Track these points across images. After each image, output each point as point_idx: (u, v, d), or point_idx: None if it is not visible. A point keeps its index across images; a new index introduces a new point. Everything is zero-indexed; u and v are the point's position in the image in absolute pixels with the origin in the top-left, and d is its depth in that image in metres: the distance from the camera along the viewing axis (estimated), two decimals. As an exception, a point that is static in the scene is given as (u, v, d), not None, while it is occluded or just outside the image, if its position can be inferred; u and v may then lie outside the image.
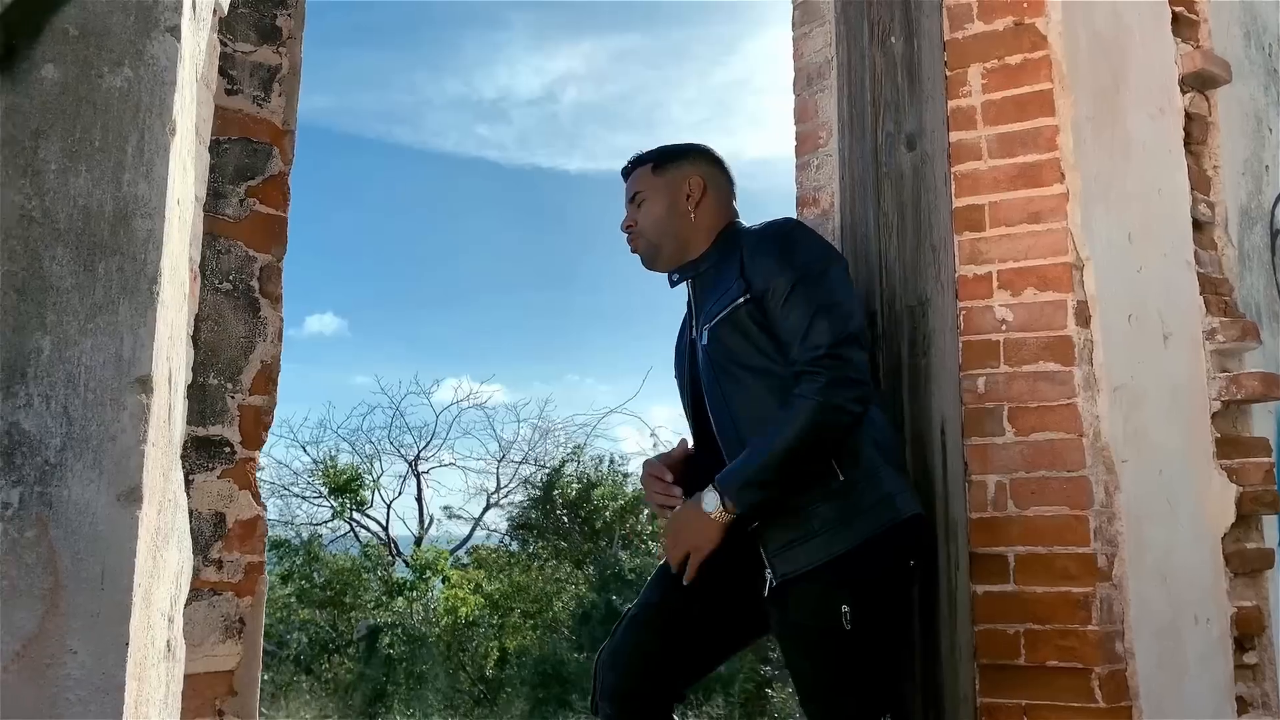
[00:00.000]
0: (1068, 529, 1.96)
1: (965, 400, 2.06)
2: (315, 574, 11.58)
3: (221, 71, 1.43)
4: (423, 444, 13.63)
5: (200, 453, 1.33)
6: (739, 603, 1.86)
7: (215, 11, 1.23)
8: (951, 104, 2.15)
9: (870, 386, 1.81)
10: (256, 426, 1.39)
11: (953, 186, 2.12)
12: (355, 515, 13.00)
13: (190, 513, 1.33)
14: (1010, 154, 2.10)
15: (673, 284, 2.01)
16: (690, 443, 2.02)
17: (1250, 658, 2.27)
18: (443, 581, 11.74)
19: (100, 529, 0.93)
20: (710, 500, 1.75)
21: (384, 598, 11.23)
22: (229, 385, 1.37)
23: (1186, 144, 2.44)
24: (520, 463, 13.56)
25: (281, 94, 1.46)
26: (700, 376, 1.91)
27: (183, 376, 1.12)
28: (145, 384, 0.96)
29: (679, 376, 2.05)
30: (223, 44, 1.43)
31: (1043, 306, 2.04)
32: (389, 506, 13.21)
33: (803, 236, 1.90)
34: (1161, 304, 2.22)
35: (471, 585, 11.38)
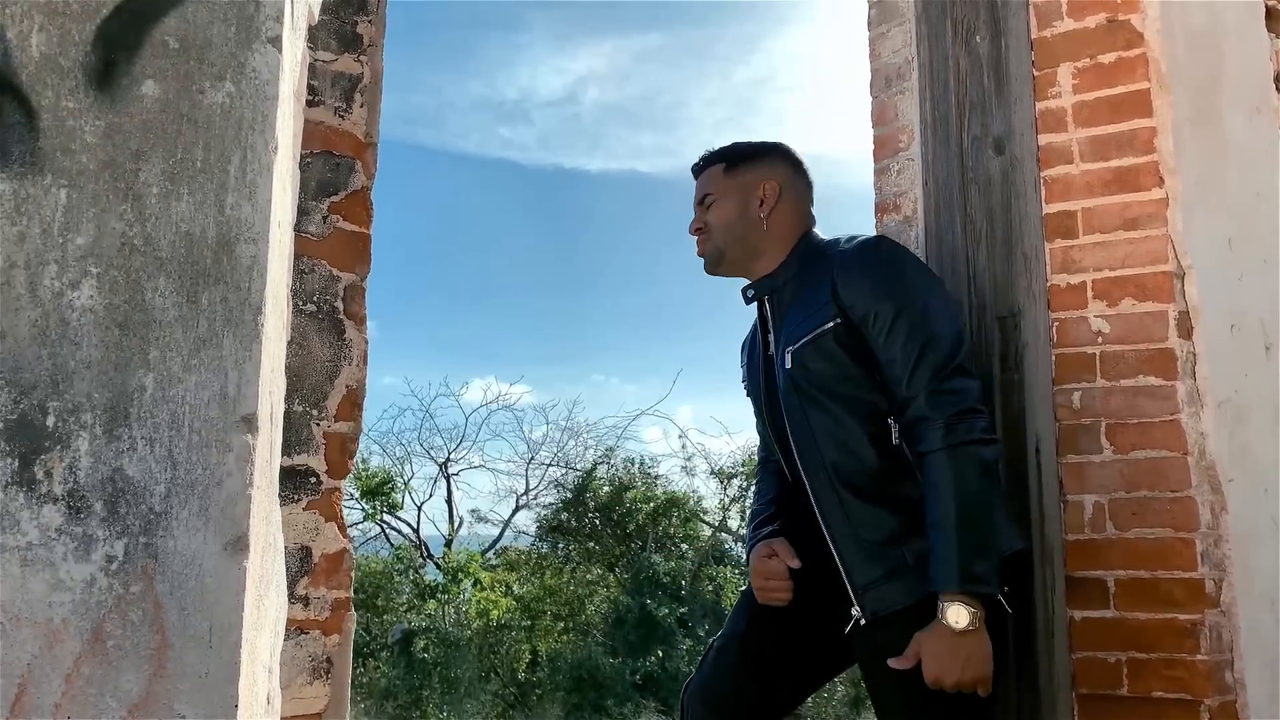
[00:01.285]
0: (1173, 552, 1.86)
1: (1060, 416, 1.96)
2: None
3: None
4: (453, 446, 13.62)
5: (285, 484, 1.27)
6: (825, 635, 1.78)
7: (309, 19, 1.16)
8: (1040, 105, 2.06)
9: (986, 411, 1.69)
10: (342, 454, 1.32)
11: (1043, 192, 2.03)
12: (386, 518, 13.01)
13: (276, 547, 1.27)
14: (1104, 157, 2.00)
15: (748, 300, 1.91)
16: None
17: (1356, 684, 2.15)
18: (474, 584, 11.73)
19: (207, 581, 0.86)
20: (957, 614, 1.57)
21: (416, 600, 11.22)
22: (314, 412, 1.30)
23: (1281, 145, 2.33)
24: (549, 465, 13.53)
25: (363, 104, 1.39)
26: (780, 398, 1.81)
27: (280, 410, 1.05)
28: (250, 423, 0.89)
29: (752, 393, 1.95)
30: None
31: (1141, 317, 1.94)
32: (419, 509, 13.21)
33: (901, 258, 1.78)
34: (1263, 313, 2.11)
35: (503, 588, 11.35)
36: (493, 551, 12.96)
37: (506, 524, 13.53)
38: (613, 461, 12.27)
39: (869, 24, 2.29)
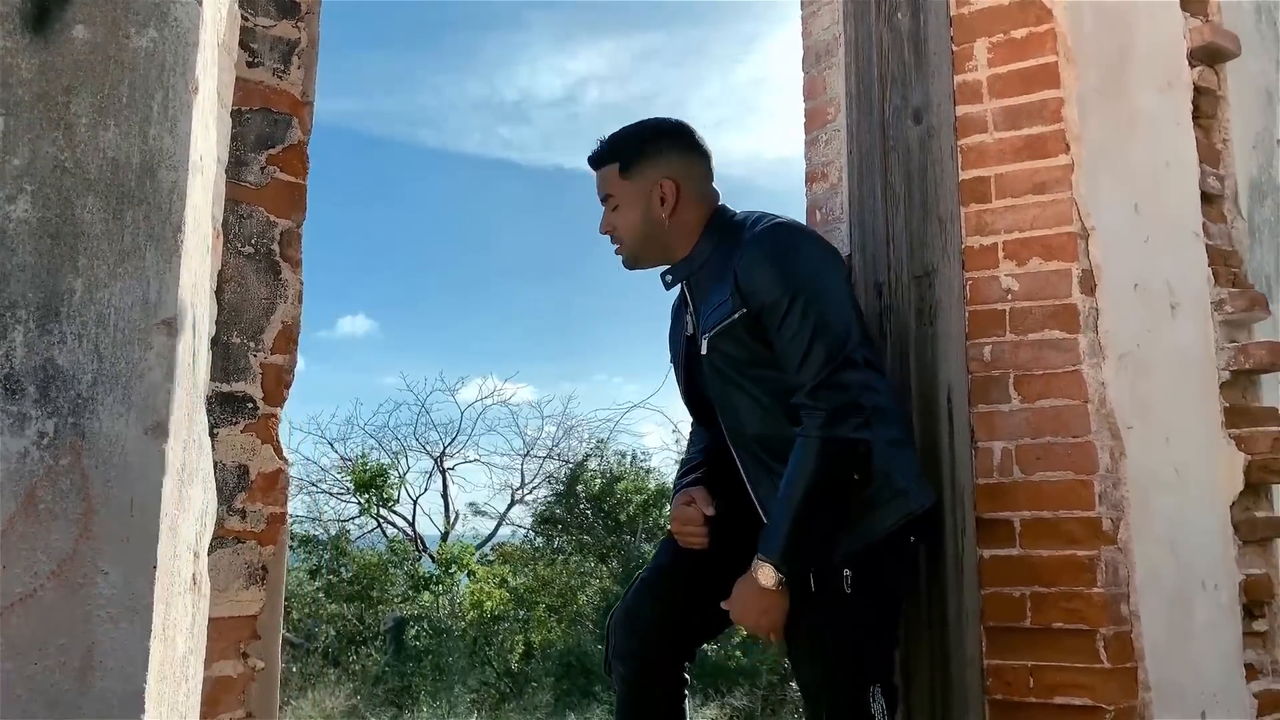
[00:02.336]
0: (1073, 493, 1.99)
1: (972, 369, 2.09)
2: (343, 569, 11.73)
3: (243, 45, 1.49)
4: (448, 440, 13.75)
5: (224, 408, 1.40)
6: (739, 565, 1.87)
7: (236, -19, 1.29)
8: (958, 78, 2.18)
9: (867, 407, 1.78)
10: (278, 384, 1.45)
11: (959, 159, 2.16)
12: (382, 511, 13.14)
13: (215, 464, 1.39)
14: (1016, 126, 2.13)
15: (667, 286, 2.01)
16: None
17: (1260, 625, 2.28)
18: (468, 576, 11.85)
19: (130, 459, 0.99)
20: (766, 575, 1.75)
21: (410, 592, 11.35)
22: (251, 344, 1.43)
23: (1196, 118, 2.46)
24: (545, 458, 13.66)
25: (300, 66, 1.52)
26: (703, 376, 1.93)
27: (206, 326, 1.18)
28: (170, 326, 1.02)
29: (674, 364, 2.06)
30: (244, 18, 1.49)
31: (1048, 275, 2.07)
32: (415, 503, 13.34)
33: (797, 247, 1.85)
34: (1169, 274, 2.24)
35: (497, 580, 11.48)
36: (489, 546, 13.09)
37: (502, 518, 13.67)
38: (605, 454, 12.40)
39: (802, 3, 2.41)
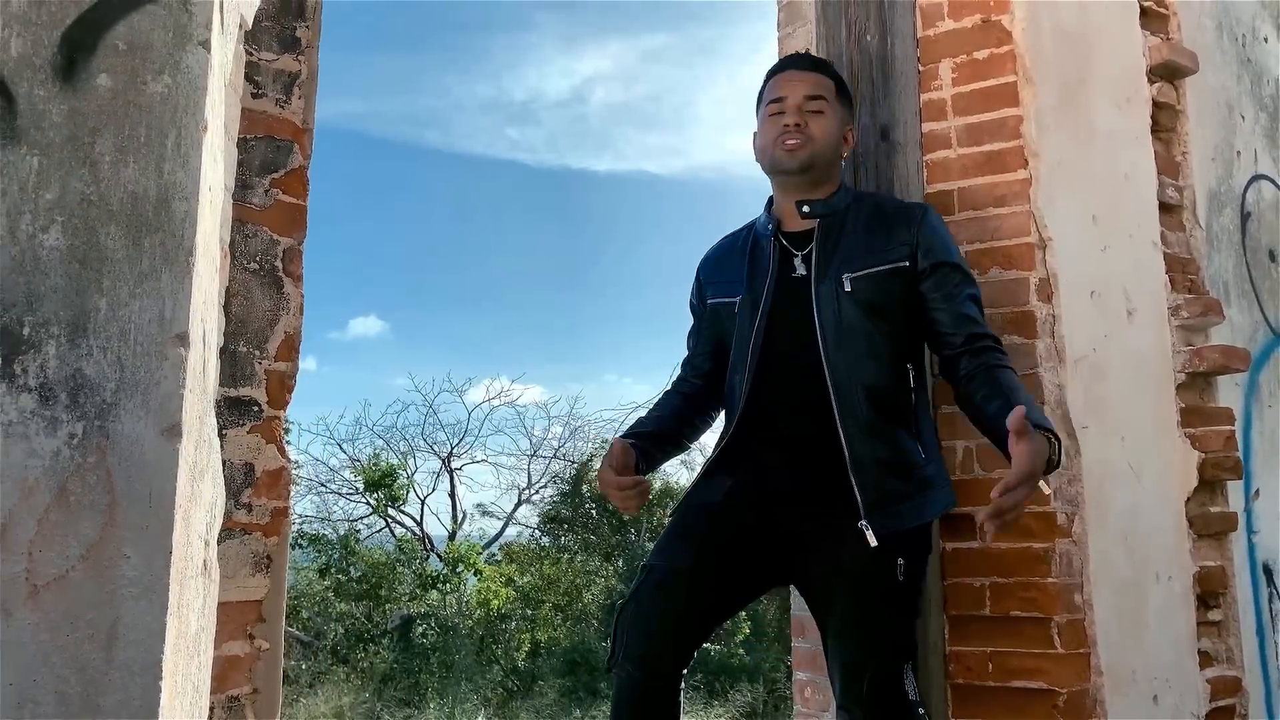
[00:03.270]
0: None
1: (935, 372, 2.21)
2: (352, 568, 11.90)
3: (248, 78, 1.63)
4: (455, 441, 13.90)
5: (232, 410, 1.53)
6: (763, 559, 1.90)
7: (241, 26, 1.42)
8: (924, 97, 2.31)
9: None
10: (281, 389, 1.59)
11: (925, 174, 2.28)
12: (390, 511, 13.30)
13: (224, 463, 1.53)
14: (978, 143, 2.25)
15: (806, 216, 1.99)
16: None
17: (1215, 615, 2.40)
18: (475, 575, 12.00)
19: (148, 457, 1.12)
20: (1055, 446, 1.72)
21: (418, 590, 11.51)
22: (256, 352, 1.56)
23: (1156, 131, 2.58)
24: (551, 458, 13.81)
25: (301, 96, 1.66)
26: (817, 318, 1.90)
27: (215, 338, 1.32)
28: (183, 339, 1.16)
29: (747, 307, 1.98)
30: (249, 53, 1.62)
31: (1007, 284, 2.19)
32: (423, 502, 13.50)
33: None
34: (1126, 282, 2.36)
35: (503, 579, 11.63)
36: (496, 546, 13.25)
37: (509, 518, 13.82)
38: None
39: (778, 25, 2.54)
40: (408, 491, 13.47)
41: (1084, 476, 2.15)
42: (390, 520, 13.34)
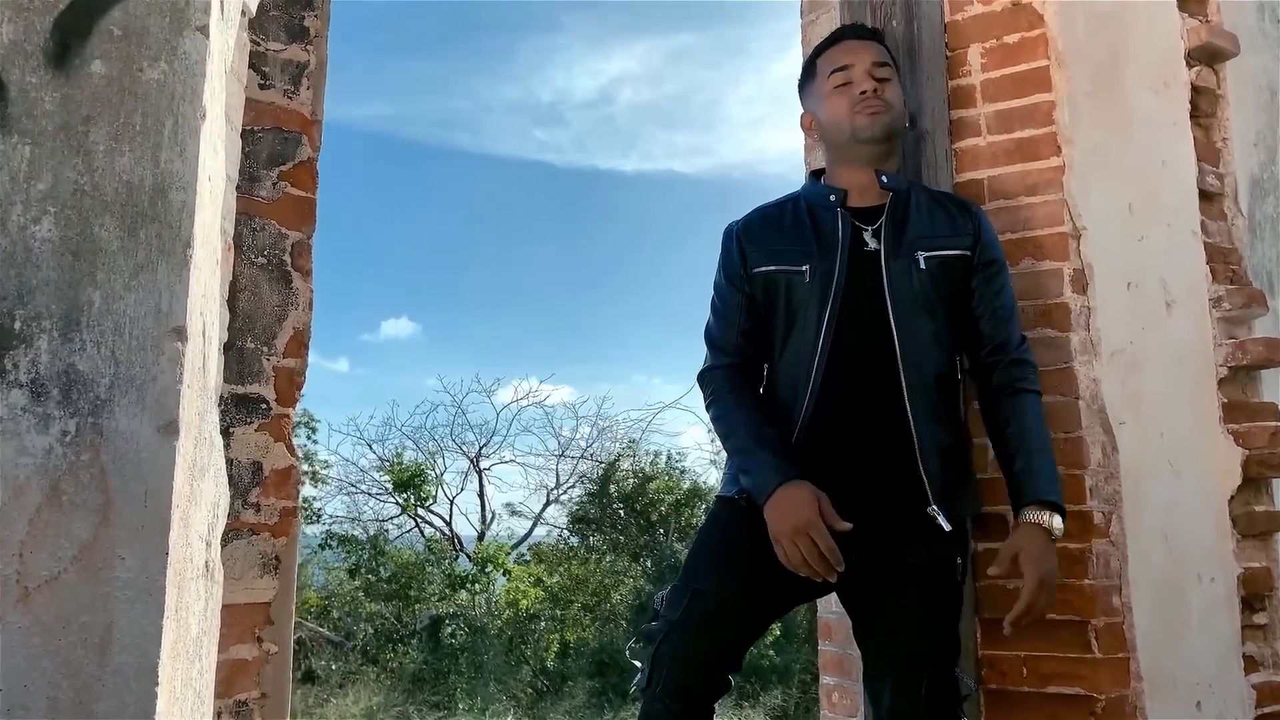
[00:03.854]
0: (1065, 488, 2.03)
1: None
2: (381, 568, 11.95)
3: (255, 69, 1.59)
4: (483, 441, 13.92)
5: (239, 408, 1.50)
6: (806, 583, 1.73)
7: (244, 13, 1.39)
8: (953, 83, 2.24)
9: None
10: (290, 386, 1.55)
11: (954, 162, 2.21)
12: (420, 511, 13.35)
13: (231, 461, 1.50)
14: (1008, 129, 2.18)
15: (883, 186, 1.89)
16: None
17: (1260, 618, 2.31)
18: (504, 575, 12.01)
19: (144, 455, 1.09)
20: (1055, 521, 1.77)
21: (447, 590, 11.53)
22: (265, 349, 1.53)
23: (1195, 117, 2.49)
24: (579, 458, 13.80)
25: (309, 87, 1.62)
26: (889, 295, 1.80)
27: (216, 332, 1.28)
28: (181, 333, 1.12)
29: (820, 280, 1.82)
30: (256, 44, 1.59)
31: (1039, 275, 2.12)
32: (452, 502, 13.53)
33: None
34: (1164, 272, 2.28)
35: (532, 579, 11.63)
36: (525, 545, 13.25)
37: (538, 518, 13.82)
38: (637, 454, 12.50)
39: (801, 12, 2.48)
40: (436, 491, 13.51)
41: (1121, 474, 2.07)
42: (419, 520, 13.39)
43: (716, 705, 1.78)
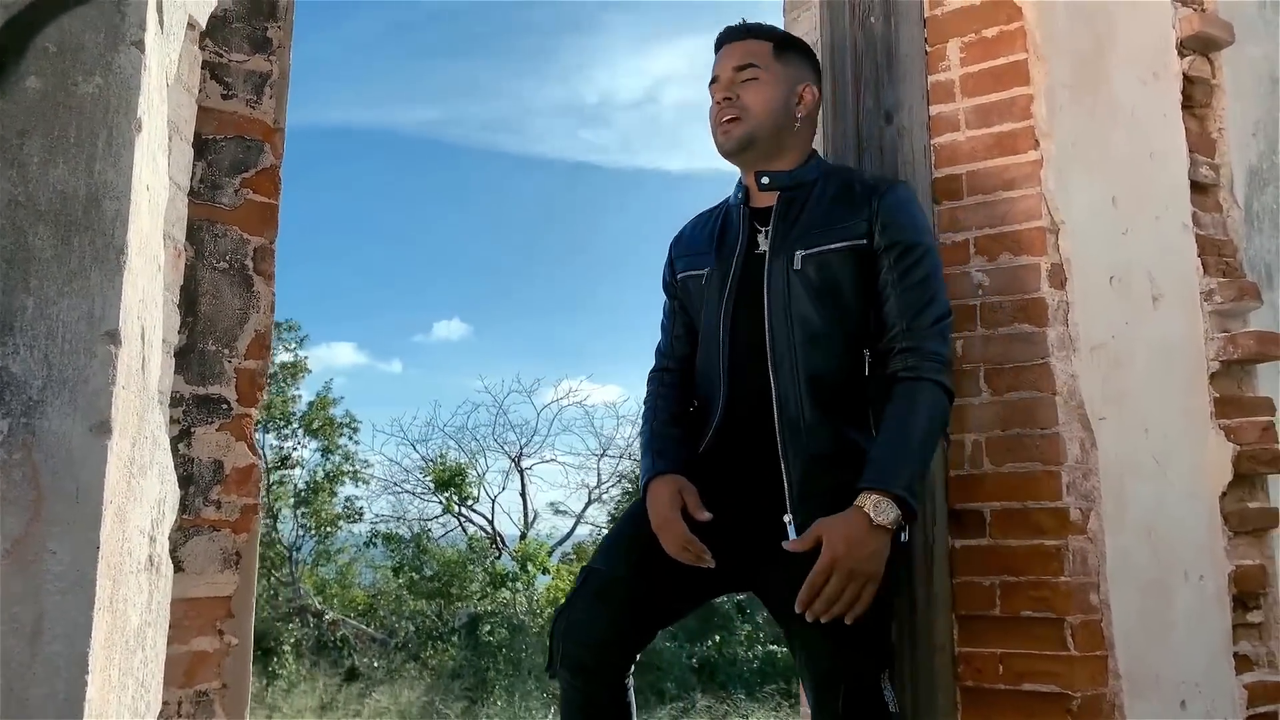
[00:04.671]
0: (1041, 484, 2.02)
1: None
2: (425, 566, 12.13)
3: (218, 79, 1.64)
4: (524, 441, 14.03)
5: (201, 409, 1.55)
6: (718, 564, 1.77)
7: (191, 25, 1.43)
8: (932, 79, 2.23)
9: None
10: (251, 387, 1.60)
11: (932, 158, 2.20)
12: (461, 510, 13.50)
13: (192, 460, 1.55)
14: (987, 124, 2.16)
15: (764, 188, 1.89)
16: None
17: (1254, 616, 2.27)
18: (545, 574, 12.11)
19: (75, 454, 1.13)
20: (881, 507, 1.61)
21: (489, 588, 11.66)
22: (226, 351, 1.58)
23: (1188, 107, 2.45)
24: (620, 458, 13.85)
25: (272, 96, 1.67)
26: (766, 296, 1.80)
27: (158, 335, 1.33)
28: (114, 337, 1.17)
29: (713, 284, 1.88)
30: (219, 55, 1.64)
31: (1017, 270, 2.10)
32: (494, 502, 13.67)
33: (922, 209, 1.90)
34: (1151, 266, 2.24)
35: (573, 578, 11.70)
36: (569, 544, 13.34)
37: (580, 517, 13.90)
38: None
39: (784, 9, 2.48)
40: (478, 491, 13.64)
41: (1100, 471, 2.05)
42: (462, 519, 13.54)
43: (628, 682, 1.81)
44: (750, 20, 1.97)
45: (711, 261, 1.90)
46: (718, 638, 10.01)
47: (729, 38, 1.93)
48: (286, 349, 12.14)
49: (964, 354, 2.12)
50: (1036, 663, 1.98)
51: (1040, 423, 2.04)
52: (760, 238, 1.86)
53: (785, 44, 1.93)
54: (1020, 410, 2.06)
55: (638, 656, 1.83)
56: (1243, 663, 2.23)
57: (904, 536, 1.71)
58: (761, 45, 1.90)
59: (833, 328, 1.77)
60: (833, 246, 1.79)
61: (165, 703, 1.44)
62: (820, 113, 2.31)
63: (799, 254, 1.80)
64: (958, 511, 2.09)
